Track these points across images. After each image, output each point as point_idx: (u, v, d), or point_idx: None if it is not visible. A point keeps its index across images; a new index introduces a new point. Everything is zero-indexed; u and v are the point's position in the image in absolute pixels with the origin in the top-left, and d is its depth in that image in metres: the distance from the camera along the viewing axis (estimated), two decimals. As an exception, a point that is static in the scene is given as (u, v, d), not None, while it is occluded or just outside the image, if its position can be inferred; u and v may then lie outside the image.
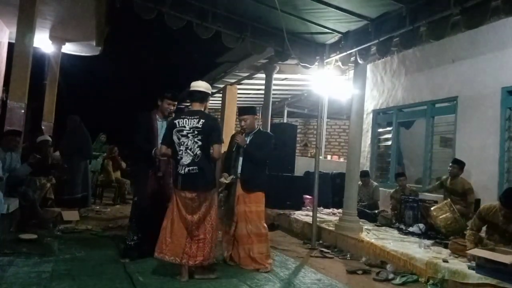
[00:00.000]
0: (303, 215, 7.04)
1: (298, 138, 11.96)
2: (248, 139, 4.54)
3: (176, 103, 4.60)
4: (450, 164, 6.03)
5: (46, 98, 8.82)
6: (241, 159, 4.52)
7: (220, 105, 12.15)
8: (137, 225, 4.37)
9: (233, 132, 11.51)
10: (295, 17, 5.53)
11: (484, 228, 4.53)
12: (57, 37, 8.71)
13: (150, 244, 4.25)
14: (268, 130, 8.77)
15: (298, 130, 12.20)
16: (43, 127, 8.32)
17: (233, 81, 10.74)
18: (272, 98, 9.59)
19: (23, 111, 5.94)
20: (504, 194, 4.17)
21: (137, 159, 4.63)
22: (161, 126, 4.49)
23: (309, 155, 12.30)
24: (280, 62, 8.22)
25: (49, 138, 6.94)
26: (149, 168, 4.40)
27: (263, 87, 9.56)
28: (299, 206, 7.68)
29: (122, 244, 4.56)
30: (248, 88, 11.34)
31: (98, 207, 7.63)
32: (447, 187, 6.01)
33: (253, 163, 4.49)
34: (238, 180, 4.49)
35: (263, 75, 9.37)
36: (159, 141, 4.35)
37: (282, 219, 7.21)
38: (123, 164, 8.98)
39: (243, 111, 4.68)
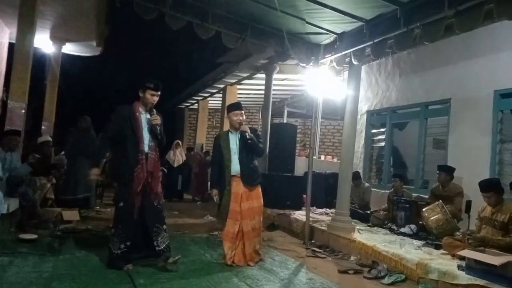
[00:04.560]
0: (303, 215, 7.02)
1: (298, 138, 11.97)
2: (237, 137, 4.63)
3: (159, 93, 4.18)
4: (437, 171, 5.99)
5: (47, 98, 8.84)
6: (235, 157, 4.56)
7: (220, 105, 12.16)
8: (124, 232, 3.99)
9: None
10: (293, 17, 5.55)
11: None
12: (58, 37, 8.74)
13: (139, 251, 4.07)
14: (268, 130, 8.83)
15: (298, 130, 12.22)
16: (43, 127, 8.30)
17: (233, 81, 10.76)
18: (272, 98, 9.61)
19: (23, 111, 5.98)
20: (479, 182, 4.51)
21: (118, 158, 4.22)
22: (144, 119, 4.14)
23: (303, 155, 12.31)
24: (280, 62, 8.24)
25: (50, 139, 6.91)
26: (133, 168, 4.01)
27: (263, 87, 9.57)
28: (299, 206, 7.62)
29: (107, 252, 4.09)
30: (248, 88, 11.34)
31: (98, 207, 7.62)
32: (438, 195, 5.85)
33: (252, 155, 4.62)
34: (235, 178, 4.55)
35: (263, 75, 9.38)
36: (145, 135, 4.08)
37: (282, 219, 7.23)
38: None
39: (237, 106, 4.76)
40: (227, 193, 4.54)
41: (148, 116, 4.13)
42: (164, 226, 4.16)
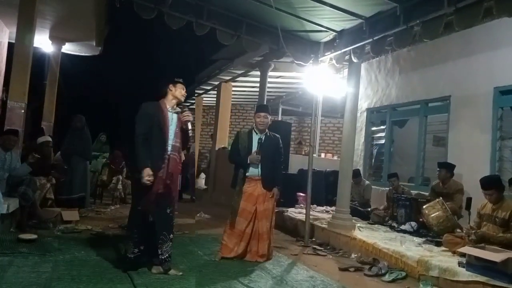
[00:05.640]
0: (296, 213, 7.07)
1: (292, 136, 11.97)
2: (263, 137, 4.69)
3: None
4: (437, 169, 6.03)
5: (46, 98, 8.83)
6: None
7: (214, 102, 12.15)
8: (139, 236, 3.85)
9: (228, 129, 11.57)
10: (290, 15, 5.55)
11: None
12: (57, 37, 8.73)
13: (150, 255, 3.91)
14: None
15: (293, 128, 12.25)
16: (43, 127, 8.28)
17: (228, 78, 10.75)
18: (267, 95, 9.61)
19: (23, 111, 5.96)
20: (480, 179, 4.51)
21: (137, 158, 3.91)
22: (171, 118, 3.95)
23: (303, 153, 12.32)
24: (275, 60, 8.24)
25: (50, 139, 6.89)
26: (155, 169, 3.78)
27: (258, 84, 9.57)
28: (292, 203, 7.70)
29: (122, 253, 4.07)
30: (243, 85, 11.35)
31: (97, 207, 7.60)
32: (439, 193, 5.89)
33: (273, 158, 4.72)
34: (252, 180, 4.64)
35: (258, 73, 9.37)
36: (170, 135, 3.90)
37: (275, 216, 7.22)
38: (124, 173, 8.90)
39: (261, 108, 4.87)
40: (238, 192, 4.61)
41: (175, 114, 3.96)
42: (171, 236, 3.96)
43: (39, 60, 8.82)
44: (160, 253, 3.86)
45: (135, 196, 4.08)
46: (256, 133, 4.74)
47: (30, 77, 6.07)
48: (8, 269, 3.64)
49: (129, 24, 10.37)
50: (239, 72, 10.03)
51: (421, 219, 5.72)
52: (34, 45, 6.44)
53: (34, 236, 4.72)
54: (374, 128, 8.72)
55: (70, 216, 5.91)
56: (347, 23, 5.52)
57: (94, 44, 8.86)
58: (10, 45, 7.95)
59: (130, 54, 15.32)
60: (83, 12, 7.23)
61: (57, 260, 4.04)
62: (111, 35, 9.21)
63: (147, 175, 3.71)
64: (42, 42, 8.67)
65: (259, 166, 4.63)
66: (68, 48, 9.24)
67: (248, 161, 4.61)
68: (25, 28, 6.05)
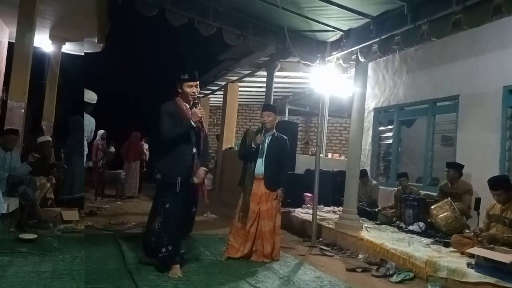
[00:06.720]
0: (303, 213, 7.05)
1: (299, 136, 11.95)
2: (267, 140, 4.69)
3: (198, 83, 3.87)
4: (446, 169, 5.99)
5: (46, 98, 8.82)
6: (260, 159, 4.64)
7: (221, 103, 12.17)
8: (167, 235, 3.82)
9: (235, 130, 11.57)
10: (296, 14, 5.54)
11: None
12: (57, 37, 8.70)
13: (173, 261, 3.84)
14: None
15: (300, 128, 12.22)
16: (43, 127, 8.31)
17: (234, 78, 10.76)
18: (274, 96, 9.59)
19: (23, 110, 5.94)
20: (488, 180, 4.48)
21: (167, 159, 3.84)
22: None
23: (310, 153, 12.29)
24: (281, 60, 8.23)
25: (50, 138, 6.94)
26: (185, 170, 3.76)
27: (264, 84, 9.57)
28: (299, 203, 7.68)
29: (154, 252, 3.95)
30: (250, 86, 11.35)
31: (98, 202, 7.62)
32: (447, 193, 5.85)
33: (278, 159, 4.71)
34: (257, 179, 4.63)
35: (265, 73, 9.37)
36: (193, 135, 3.83)
37: (282, 216, 7.20)
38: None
39: (268, 107, 4.93)
40: (248, 191, 4.61)
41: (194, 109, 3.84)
42: (190, 233, 4.11)
43: (39, 60, 8.79)
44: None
45: (165, 195, 3.88)
46: (263, 133, 4.74)
47: (30, 77, 6.03)
48: (8, 269, 3.64)
49: (132, 23, 10.35)
50: (246, 72, 10.03)
51: (429, 220, 5.68)
52: (34, 44, 6.39)
53: (34, 236, 4.72)
54: (381, 128, 8.66)
55: (70, 216, 5.91)
56: (354, 22, 5.49)
57: (96, 41, 8.83)
58: (10, 45, 7.92)
59: (133, 52, 15.32)
60: (84, 10, 7.17)
61: (57, 260, 4.04)
62: (112, 35, 9.18)
63: (196, 115, 3.72)
64: (42, 41, 8.63)
65: (263, 165, 4.62)
66: (69, 47, 9.20)
67: (252, 144, 4.59)
68: (25, 28, 6.01)
